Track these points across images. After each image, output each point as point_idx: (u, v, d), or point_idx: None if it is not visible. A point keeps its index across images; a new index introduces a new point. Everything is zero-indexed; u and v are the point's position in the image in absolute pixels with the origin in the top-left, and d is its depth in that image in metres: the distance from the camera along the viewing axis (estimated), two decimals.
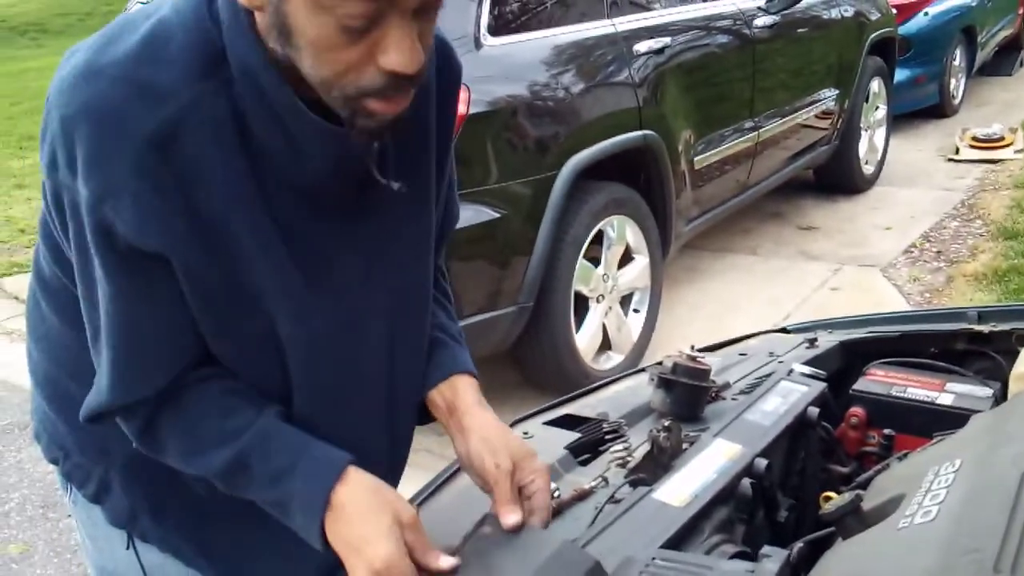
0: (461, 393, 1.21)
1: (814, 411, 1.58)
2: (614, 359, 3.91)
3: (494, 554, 1.00)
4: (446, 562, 1.02)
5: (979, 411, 1.69)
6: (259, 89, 0.97)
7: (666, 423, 1.40)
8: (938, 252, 4.87)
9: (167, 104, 0.94)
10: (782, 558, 0.96)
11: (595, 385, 1.74)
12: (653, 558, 1.01)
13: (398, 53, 0.92)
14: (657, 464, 1.37)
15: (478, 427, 1.16)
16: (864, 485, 1.53)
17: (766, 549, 0.99)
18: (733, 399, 1.69)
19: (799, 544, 1.29)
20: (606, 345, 3.90)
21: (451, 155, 1.25)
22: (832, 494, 1.46)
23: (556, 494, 1.32)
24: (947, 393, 1.77)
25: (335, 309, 1.12)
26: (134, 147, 0.93)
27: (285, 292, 1.06)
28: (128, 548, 1.21)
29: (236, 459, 1.06)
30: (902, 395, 1.78)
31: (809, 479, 1.64)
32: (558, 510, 1.29)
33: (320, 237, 1.07)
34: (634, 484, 1.33)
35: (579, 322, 3.73)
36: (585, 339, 3.74)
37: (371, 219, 1.13)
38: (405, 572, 1.01)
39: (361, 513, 1.02)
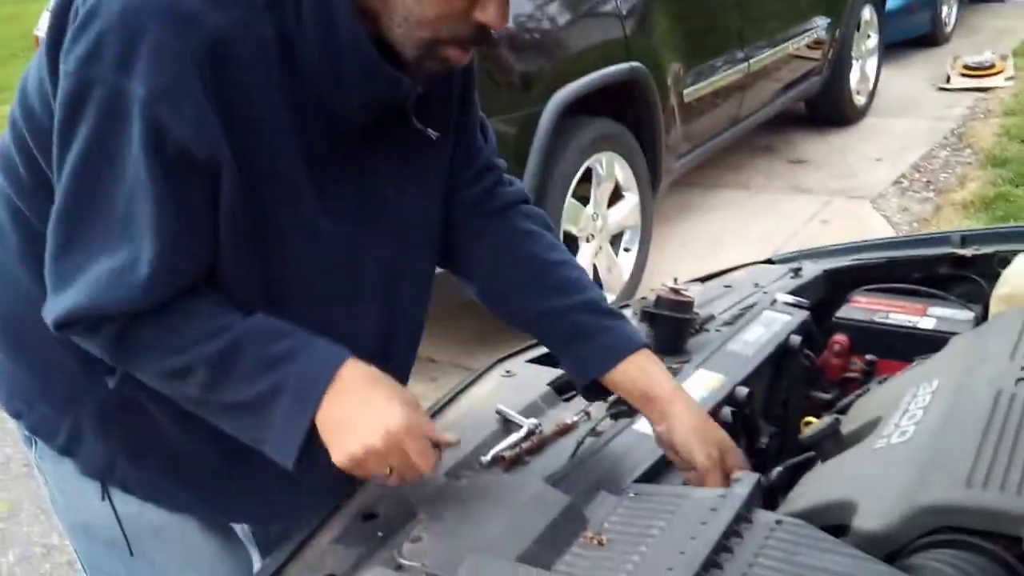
0: (655, 377, 1.18)
1: (796, 339, 1.59)
2: (605, 299, 3.92)
3: (470, 500, 1.02)
4: (452, 436, 1.07)
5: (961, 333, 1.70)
6: (328, 18, 0.98)
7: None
8: (927, 182, 4.85)
9: (229, 13, 0.95)
10: (752, 481, 0.97)
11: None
12: (628, 491, 1.02)
13: (497, 9, 1.00)
14: None
15: (686, 417, 1.17)
16: (844, 410, 1.55)
17: (738, 474, 1.00)
18: (717, 331, 1.69)
19: (778, 469, 1.32)
20: (597, 285, 3.89)
21: (475, 99, 1.27)
22: (812, 419, 1.48)
23: (539, 430, 1.33)
24: (929, 317, 1.78)
25: (344, 237, 1.13)
26: (202, 49, 0.93)
27: (299, 215, 1.07)
28: (103, 499, 1.19)
29: (229, 347, 1.03)
30: (884, 321, 1.78)
31: (792, 407, 1.65)
32: (540, 445, 1.30)
33: (341, 168, 1.09)
34: (615, 417, 1.34)
35: None
36: None
37: (392, 158, 1.15)
38: (425, 426, 1.04)
39: (369, 383, 1.03)
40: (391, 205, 1.16)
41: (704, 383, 1.41)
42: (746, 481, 0.98)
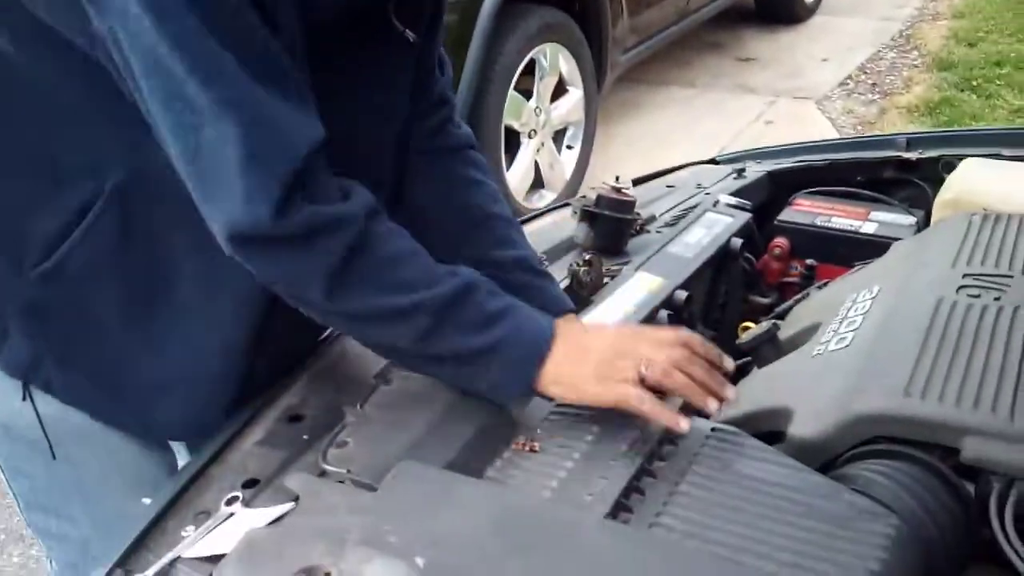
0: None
1: (737, 242, 1.56)
2: (547, 197, 3.85)
3: (399, 403, 0.97)
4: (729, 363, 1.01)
5: (902, 239, 1.69)
6: None
7: (587, 256, 1.37)
8: (873, 84, 4.82)
9: None
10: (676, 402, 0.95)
11: (518, 220, 1.69)
12: (549, 414, 0.99)
13: None
14: (576, 299, 1.33)
15: None
16: (783, 315, 1.53)
17: None
18: (658, 232, 1.65)
19: None
20: (538, 183, 3.83)
21: (444, 14, 1.18)
22: (750, 324, 1.46)
23: None
24: (871, 222, 1.76)
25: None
26: None
27: None
28: (24, 399, 1.14)
29: (464, 288, 0.97)
30: (826, 225, 1.76)
31: (730, 310, 1.64)
32: None
33: (320, 70, 1.01)
34: None
35: (510, 159, 3.64)
36: (516, 177, 3.65)
37: (369, 62, 1.07)
38: (698, 339, 0.98)
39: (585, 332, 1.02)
40: (364, 111, 1.09)
41: (643, 285, 1.38)
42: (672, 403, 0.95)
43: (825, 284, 1.54)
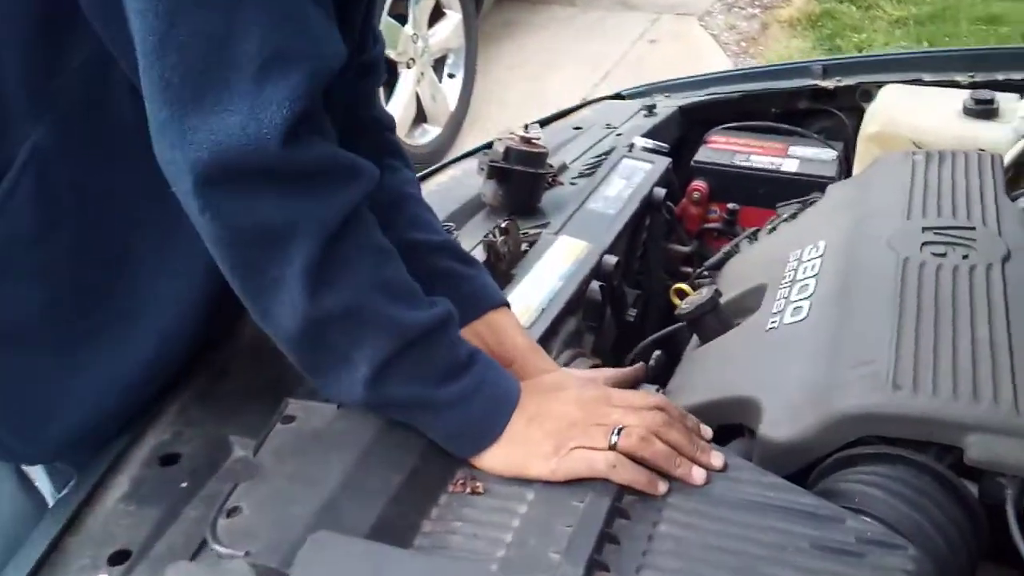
0: (510, 337, 0.93)
1: (660, 192, 1.43)
2: (430, 132, 3.65)
3: (303, 445, 0.80)
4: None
5: (825, 176, 1.59)
6: None
7: (502, 224, 1.21)
8: None
9: None
10: None
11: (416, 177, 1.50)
12: None
13: None
14: (495, 274, 1.17)
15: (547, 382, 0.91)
16: (712, 269, 1.42)
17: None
18: (572, 183, 1.50)
19: (657, 353, 1.17)
20: (421, 117, 3.62)
21: None
22: (683, 286, 1.34)
23: None
24: (791, 158, 1.66)
25: None
26: None
27: None
28: None
29: (443, 320, 0.79)
30: (745, 164, 1.65)
31: (653, 263, 1.51)
32: None
33: None
34: None
35: (388, 92, 3.40)
36: (396, 111, 3.42)
37: None
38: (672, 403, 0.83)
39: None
40: None
41: (568, 252, 1.23)
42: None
43: (755, 233, 1.42)
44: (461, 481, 0.78)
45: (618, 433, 0.76)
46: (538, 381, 0.84)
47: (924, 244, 1.01)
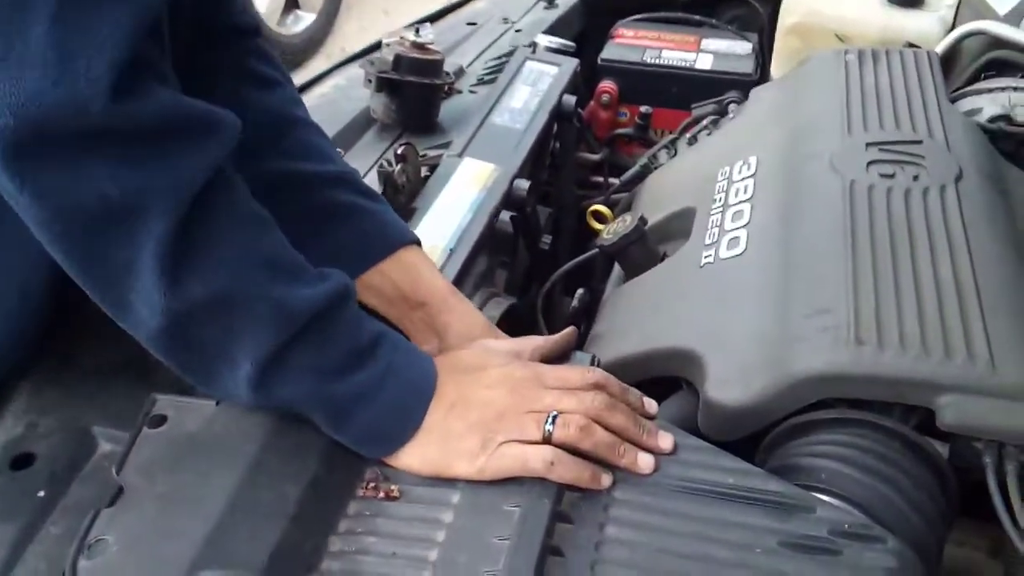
0: (424, 277, 0.80)
1: (571, 100, 1.29)
2: (304, 19, 3.37)
3: (178, 454, 0.66)
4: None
5: (742, 73, 1.48)
6: None
7: (399, 149, 1.05)
8: None
9: None
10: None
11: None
12: None
13: None
14: (394, 208, 1.03)
15: (463, 327, 0.78)
16: (628, 185, 1.31)
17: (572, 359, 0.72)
18: (472, 91, 1.35)
19: (580, 292, 1.06)
20: (293, 2, 3.33)
21: None
22: (601, 207, 1.23)
23: None
24: (705, 53, 1.54)
25: None
26: None
27: None
28: None
29: (339, 296, 0.66)
30: (656, 62, 1.52)
31: (565, 178, 1.39)
32: None
33: None
34: None
35: None
36: None
37: None
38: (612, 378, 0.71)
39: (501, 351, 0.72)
40: None
41: (475, 177, 1.09)
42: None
43: (673, 142, 1.31)
44: (372, 484, 0.66)
45: (553, 422, 0.65)
46: (456, 358, 0.71)
47: (870, 163, 0.92)
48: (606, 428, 0.66)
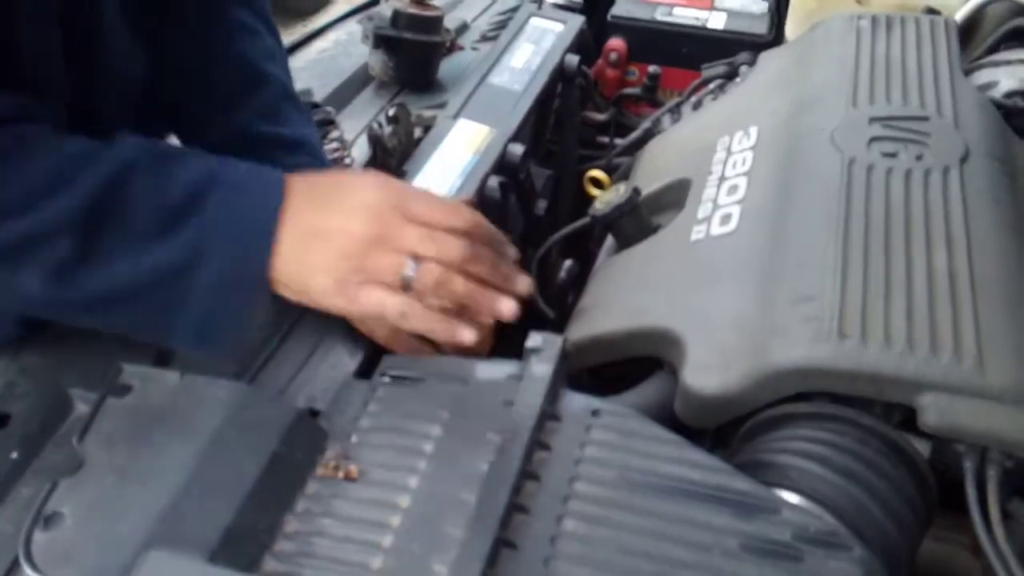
0: None
1: (573, 60, 1.25)
2: None
3: (139, 428, 0.65)
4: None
5: (755, 34, 1.43)
6: None
7: (390, 111, 1.03)
8: None
9: None
10: (554, 353, 0.67)
11: (286, 46, 1.28)
12: (381, 376, 0.70)
13: None
14: (384, 171, 1.01)
15: None
16: (632, 149, 1.27)
17: (535, 340, 0.69)
18: (474, 48, 1.31)
19: (568, 263, 1.04)
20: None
21: None
22: (599, 174, 1.19)
23: None
24: (718, 11, 1.49)
25: None
26: None
27: None
28: None
29: (120, 171, 0.63)
30: (667, 20, 1.48)
31: (567, 139, 1.35)
32: None
33: None
34: None
35: None
36: None
37: None
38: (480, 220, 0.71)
39: (356, 182, 0.69)
40: None
41: (466, 141, 1.06)
42: (546, 352, 0.68)
43: (677, 106, 1.27)
44: (333, 463, 0.65)
45: (412, 270, 0.64)
46: (313, 179, 0.68)
47: (872, 140, 0.88)
48: (467, 277, 0.64)
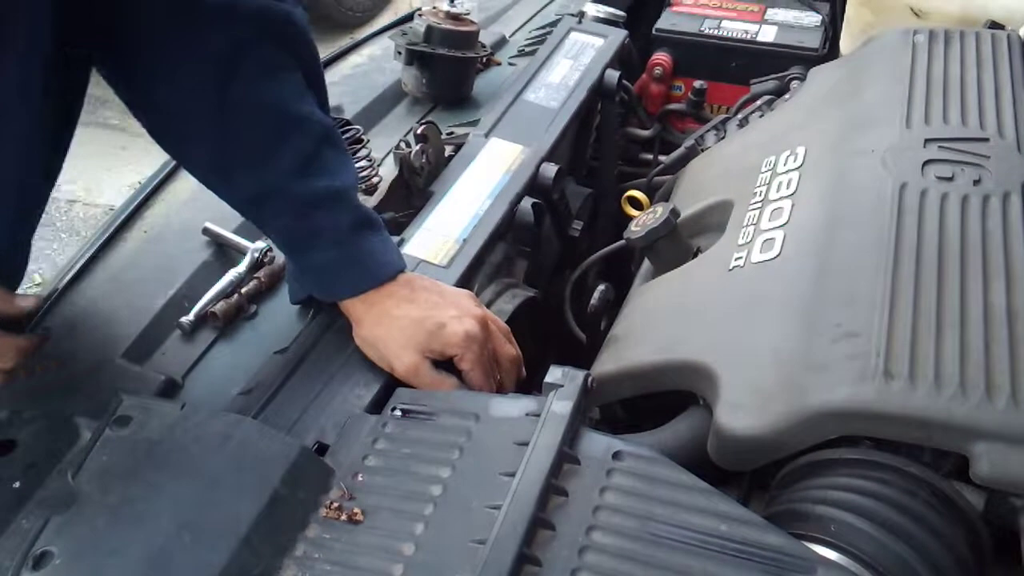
0: None
1: (613, 76, 1.21)
2: None
3: (134, 465, 0.62)
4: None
5: (807, 48, 1.37)
6: None
7: (419, 129, 0.99)
8: None
9: None
10: (576, 389, 0.63)
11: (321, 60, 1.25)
12: (392, 410, 0.66)
13: None
14: (411, 192, 0.98)
15: None
16: (674, 168, 1.22)
17: (555, 375, 0.65)
18: (511, 63, 1.28)
19: (601, 288, 0.99)
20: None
21: None
22: (637, 194, 1.15)
23: (269, 256, 0.92)
24: (768, 24, 1.43)
25: None
26: None
27: None
28: None
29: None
30: (715, 33, 1.42)
31: (606, 157, 1.31)
32: (272, 283, 0.90)
33: None
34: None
35: None
36: None
37: None
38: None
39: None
40: None
41: (500, 161, 1.02)
42: (567, 388, 0.64)
43: (723, 122, 1.22)
44: (336, 504, 0.61)
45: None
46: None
47: (927, 163, 0.82)
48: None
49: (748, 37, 1.40)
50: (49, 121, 0.74)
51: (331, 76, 1.23)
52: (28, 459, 0.74)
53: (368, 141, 1.04)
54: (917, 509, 0.59)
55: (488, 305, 0.91)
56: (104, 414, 0.69)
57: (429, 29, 1.12)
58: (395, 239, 0.89)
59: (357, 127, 1.03)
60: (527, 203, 0.98)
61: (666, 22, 1.45)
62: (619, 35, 1.27)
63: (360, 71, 1.25)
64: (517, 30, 1.37)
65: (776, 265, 0.80)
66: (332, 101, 1.10)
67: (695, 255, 0.94)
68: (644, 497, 0.59)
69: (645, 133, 1.42)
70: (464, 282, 0.88)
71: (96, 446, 0.64)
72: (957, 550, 0.59)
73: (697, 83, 1.39)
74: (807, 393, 0.64)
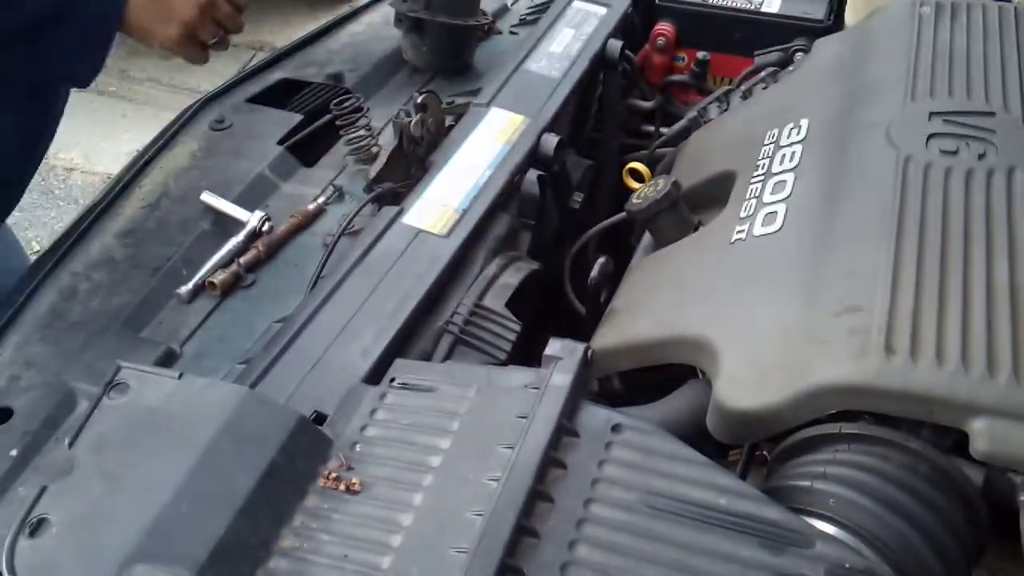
0: None
1: (615, 46, 1.19)
2: None
3: (129, 434, 0.62)
4: None
5: (812, 19, 1.36)
6: None
7: (418, 98, 0.98)
8: None
9: None
10: (576, 362, 0.63)
11: (318, 29, 1.24)
12: (391, 381, 0.66)
13: None
14: (410, 161, 0.97)
15: None
16: (676, 139, 1.21)
17: (554, 347, 0.65)
18: (512, 32, 1.26)
19: (601, 260, 0.99)
20: None
21: None
22: (639, 166, 1.14)
23: (266, 225, 0.92)
24: None
25: None
26: None
27: None
28: None
29: None
30: (719, 2, 1.40)
31: (609, 128, 1.30)
32: (270, 253, 0.90)
33: None
34: (378, 201, 0.94)
35: None
36: None
37: None
38: None
39: None
40: None
41: (500, 130, 1.01)
42: (567, 362, 0.64)
43: (726, 94, 1.21)
44: (334, 475, 0.61)
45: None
46: None
47: (931, 137, 0.81)
48: None
49: (752, 7, 1.38)
50: None
51: (331, 44, 1.22)
52: (24, 427, 0.74)
53: (368, 110, 1.04)
54: (915, 484, 0.59)
55: (493, 278, 0.90)
56: (102, 382, 0.69)
57: None
58: (395, 209, 0.89)
59: (357, 95, 1.02)
60: (532, 175, 0.97)
61: None
62: (622, 3, 1.26)
63: (359, 39, 1.24)
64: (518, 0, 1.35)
65: (777, 238, 0.80)
66: (332, 69, 1.10)
67: (696, 228, 0.93)
68: (643, 470, 0.59)
69: (647, 104, 1.40)
70: (465, 252, 0.88)
71: (93, 414, 0.63)
72: (956, 526, 0.59)
73: (700, 54, 1.37)
74: (808, 368, 0.64)
